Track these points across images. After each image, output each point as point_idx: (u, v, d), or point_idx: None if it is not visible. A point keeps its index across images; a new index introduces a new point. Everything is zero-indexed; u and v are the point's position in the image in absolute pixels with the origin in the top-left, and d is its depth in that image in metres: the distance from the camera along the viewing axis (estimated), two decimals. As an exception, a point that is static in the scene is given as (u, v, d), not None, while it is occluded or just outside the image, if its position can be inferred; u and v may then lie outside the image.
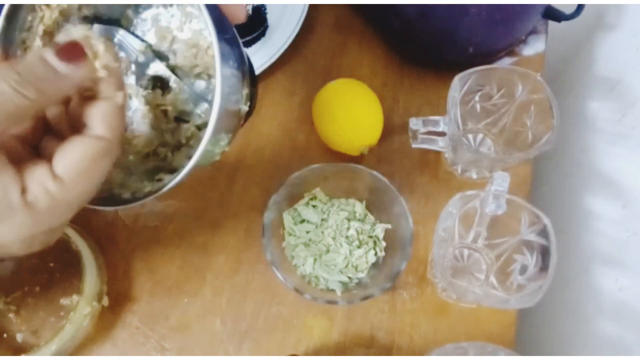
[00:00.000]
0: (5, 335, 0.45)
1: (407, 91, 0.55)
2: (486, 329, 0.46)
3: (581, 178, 0.55)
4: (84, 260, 0.44)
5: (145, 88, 0.36)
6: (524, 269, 0.41)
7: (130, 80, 0.36)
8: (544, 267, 0.38)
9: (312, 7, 0.56)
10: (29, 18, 0.33)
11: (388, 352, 0.45)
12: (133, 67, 0.36)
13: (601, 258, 0.49)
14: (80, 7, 0.34)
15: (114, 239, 0.49)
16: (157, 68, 0.36)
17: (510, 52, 0.55)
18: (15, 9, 0.32)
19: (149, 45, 0.36)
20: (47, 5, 0.32)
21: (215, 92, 0.29)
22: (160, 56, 0.36)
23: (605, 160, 0.52)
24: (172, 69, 0.36)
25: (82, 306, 0.43)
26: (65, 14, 0.34)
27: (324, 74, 0.54)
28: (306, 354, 0.45)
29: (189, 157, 0.31)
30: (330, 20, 0.58)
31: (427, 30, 0.50)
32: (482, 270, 0.45)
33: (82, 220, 0.48)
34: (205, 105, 0.36)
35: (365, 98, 0.49)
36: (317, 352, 0.45)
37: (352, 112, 0.48)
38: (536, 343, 0.57)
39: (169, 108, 0.36)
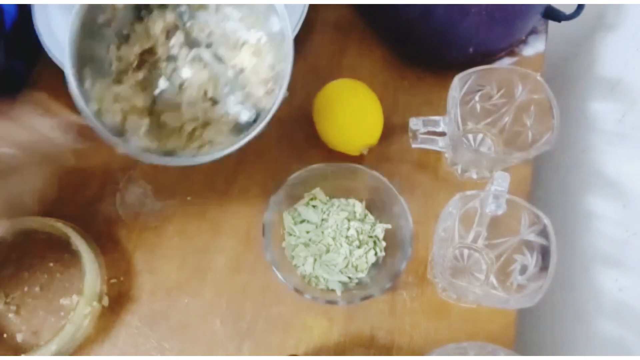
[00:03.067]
0: (5, 335, 0.45)
1: (407, 91, 0.55)
2: (486, 329, 0.46)
3: (581, 178, 0.55)
4: (84, 260, 0.44)
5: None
6: (524, 269, 0.41)
7: (184, 53, 0.42)
8: (544, 267, 0.38)
9: (312, 7, 0.56)
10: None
11: (388, 352, 0.45)
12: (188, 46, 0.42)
13: (601, 258, 0.49)
14: None
15: (114, 239, 0.49)
16: (204, 55, 0.42)
17: (510, 52, 0.55)
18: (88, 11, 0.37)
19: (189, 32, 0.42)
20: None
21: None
22: (198, 44, 0.42)
23: (605, 160, 0.52)
24: (214, 57, 0.42)
25: (82, 306, 0.43)
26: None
27: (324, 74, 0.54)
28: (306, 354, 0.45)
29: (220, 133, 0.40)
30: (330, 20, 0.58)
31: (427, 30, 0.50)
32: (482, 270, 0.45)
33: (82, 220, 0.49)
34: (237, 92, 0.41)
35: (366, 98, 0.49)
36: (317, 352, 0.45)
37: (352, 112, 0.48)
38: (536, 343, 0.57)
39: (210, 89, 0.41)
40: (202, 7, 0.42)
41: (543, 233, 0.39)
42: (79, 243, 0.45)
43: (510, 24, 0.50)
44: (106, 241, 0.49)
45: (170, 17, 0.41)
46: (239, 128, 0.41)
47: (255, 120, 0.40)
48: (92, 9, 0.37)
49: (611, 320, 0.46)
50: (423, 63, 0.55)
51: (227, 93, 0.42)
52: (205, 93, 0.42)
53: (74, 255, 0.46)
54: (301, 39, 0.55)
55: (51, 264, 0.47)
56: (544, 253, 0.39)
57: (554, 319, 0.55)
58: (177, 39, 0.41)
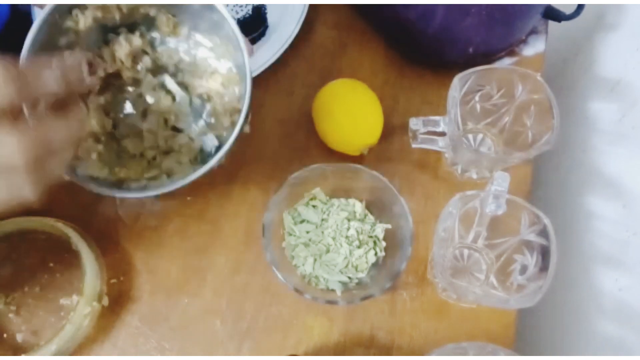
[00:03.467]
0: (5, 335, 0.45)
1: (407, 91, 0.55)
2: (486, 329, 0.46)
3: (581, 178, 0.55)
4: (84, 260, 0.44)
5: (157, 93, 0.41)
6: (524, 269, 0.41)
7: (149, 79, 0.41)
8: (544, 267, 0.38)
9: (312, 7, 0.56)
10: (67, 23, 0.36)
11: (388, 352, 0.45)
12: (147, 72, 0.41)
13: (601, 258, 0.49)
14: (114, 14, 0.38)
15: (114, 239, 0.49)
16: (168, 82, 0.40)
17: (510, 52, 0.55)
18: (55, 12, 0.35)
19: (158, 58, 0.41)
20: (82, 11, 0.36)
21: (247, 80, 0.36)
22: (166, 70, 0.41)
23: (605, 160, 0.52)
24: (179, 85, 0.41)
25: (82, 306, 0.43)
26: (98, 20, 0.37)
27: (324, 74, 0.54)
28: (306, 354, 0.45)
29: (179, 162, 0.38)
30: (330, 20, 0.58)
31: (427, 30, 0.50)
32: (482, 270, 0.45)
33: (82, 220, 0.48)
34: (201, 122, 0.41)
35: (365, 98, 0.49)
36: (317, 352, 0.45)
37: (352, 112, 0.48)
38: (536, 343, 0.57)
39: (172, 117, 0.40)
40: (174, 33, 0.41)
41: (543, 233, 0.39)
42: (79, 243, 0.45)
43: (510, 24, 0.50)
44: (106, 241, 0.48)
45: (137, 41, 0.39)
46: (202, 158, 0.41)
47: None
48: (51, 32, 0.35)
49: (611, 320, 0.46)
50: (423, 63, 0.55)
51: (189, 122, 0.41)
52: (167, 121, 0.41)
53: (74, 255, 0.46)
54: (301, 39, 0.55)
55: (51, 264, 0.47)
56: (544, 253, 0.39)
57: (554, 319, 0.55)
58: (145, 63, 0.40)
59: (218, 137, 0.41)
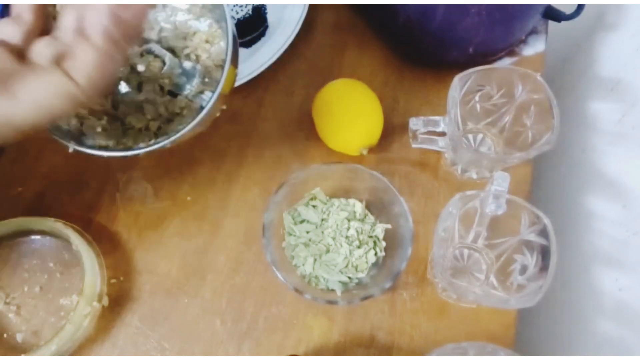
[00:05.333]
0: (5, 335, 0.45)
1: (407, 91, 0.55)
2: (486, 329, 0.46)
3: (581, 178, 0.55)
4: (84, 260, 0.44)
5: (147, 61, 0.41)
6: (524, 269, 0.41)
7: (136, 49, 0.41)
8: (544, 267, 0.38)
9: (312, 7, 0.56)
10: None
11: (388, 352, 0.45)
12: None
13: (601, 258, 0.49)
14: None
15: (114, 239, 0.49)
16: (154, 47, 0.41)
17: (510, 52, 0.55)
18: None
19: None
20: None
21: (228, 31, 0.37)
22: (150, 41, 0.42)
23: (605, 160, 0.52)
24: (166, 49, 0.41)
25: (82, 306, 0.43)
26: None
27: (324, 74, 0.54)
28: (306, 354, 0.45)
29: (183, 123, 0.37)
30: (330, 20, 0.58)
31: (427, 30, 0.50)
32: (482, 270, 0.45)
33: (82, 220, 0.49)
34: (195, 80, 0.41)
35: (365, 98, 0.49)
36: (317, 352, 0.45)
37: (352, 112, 0.48)
38: (536, 343, 0.57)
39: (166, 81, 0.41)
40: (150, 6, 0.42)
41: (543, 233, 0.39)
42: (79, 243, 0.45)
43: (510, 24, 0.50)
44: (106, 241, 0.49)
45: None
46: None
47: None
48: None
49: (611, 320, 0.46)
50: (423, 63, 0.55)
51: (184, 84, 0.42)
52: (162, 88, 0.42)
53: (74, 255, 0.46)
54: (301, 39, 0.55)
55: (51, 264, 0.47)
56: (544, 253, 0.39)
57: (554, 319, 0.55)
58: None
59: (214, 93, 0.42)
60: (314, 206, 0.47)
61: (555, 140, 0.42)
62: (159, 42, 0.42)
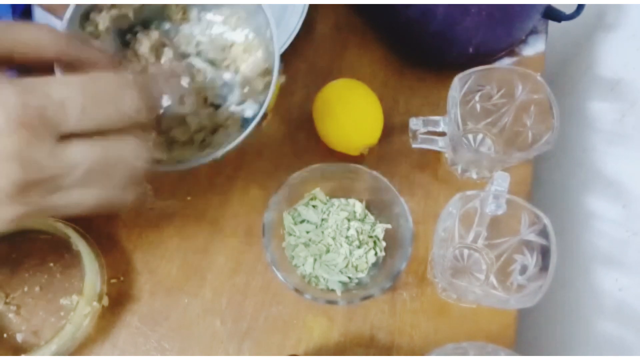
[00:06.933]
0: (5, 335, 0.45)
1: (407, 91, 0.55)
2: (486, 329, 0.46)
3: (581, 178, 0.55)
4: (84, 260, 0.44)
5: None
6: (524, 269, 0.41)
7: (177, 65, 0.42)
8: (544, 267, 0.38)
9: (312, 7, 0.56)
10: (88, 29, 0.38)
11: (388, 352, 0.45)
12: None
13: (601, 258, 0.49)
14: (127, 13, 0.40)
15: (114, 239, 0.49)
16: (195, 61, 0.42)
17: (510, 52, 0.55)
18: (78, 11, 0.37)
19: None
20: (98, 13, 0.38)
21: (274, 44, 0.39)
22: (188, 56, 0.43)
23: (605, 160, 0.52)
24: (207, 61, 0.42)
25: (82, 306, 0.43)
26: (114, 20, 0.39)
27: (324, 74, 0.54)
28: (306, 354, 0.45)
29: (227, 136, 0.39)
30: (330, 20, 0.58)
31: (427, 30, 0.50)
32: (482, 270, 0.45)
33: (82, 220, 0.48)
34: (236, 90, 0.42)
35: (366, 98, 0.49)
36: (317, 352, 0.45)
37: (352, 112, 0.48)
38: (536, 343, 0.57)
39: (209, 93, 0.42)
40: (185, 19, 0.42)
41: (543, 233, 0.39)
42: (79, 243, 0.45)
43: (510, 24, 0.50)
44: (106, 241, 0.48)
45: (154, 34, 0.41)
46: (247, 126, 0.42)
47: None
48: None
49: (611, 320, 0.46)
50: (423, 63, 0.55)
51: (226, 94, 0.42)
52: (205, 100, 0.42)
53: (74, 255, 0.46)
54: (301, 39, 0.55)
55: (51, 264, 0.47)
56: (544, 253, 0.39)
57: (554, 319, 0.55)
58: (167, 55, 0.41)
59: (257, 101, 0.42)
60: (314, 206, 0.47)
61: (555, 140, 0.42)
62: (198, 55, 0.43)
